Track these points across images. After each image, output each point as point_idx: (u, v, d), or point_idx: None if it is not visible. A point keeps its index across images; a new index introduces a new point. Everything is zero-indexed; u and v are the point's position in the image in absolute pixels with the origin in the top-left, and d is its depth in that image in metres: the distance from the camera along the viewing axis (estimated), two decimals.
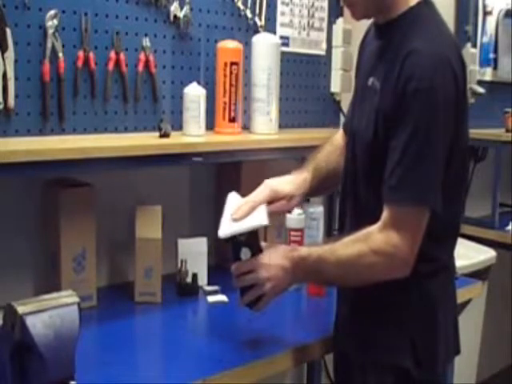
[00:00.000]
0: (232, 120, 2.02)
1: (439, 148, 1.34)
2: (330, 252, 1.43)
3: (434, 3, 1.47)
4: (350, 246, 1.41)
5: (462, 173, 1.48)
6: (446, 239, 1.49)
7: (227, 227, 1.51)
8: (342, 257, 1.41)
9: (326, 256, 1.44)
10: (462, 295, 1.95)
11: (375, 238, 1.38)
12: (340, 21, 2.41)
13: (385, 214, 1.37)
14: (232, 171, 2.19)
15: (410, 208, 1.35)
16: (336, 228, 1.67)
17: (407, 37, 1.37)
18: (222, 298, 1.88)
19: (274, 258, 1.48)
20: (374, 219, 1.39)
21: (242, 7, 2.13)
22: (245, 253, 1.50)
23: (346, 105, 2.36)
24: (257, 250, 1.50)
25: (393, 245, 1.36)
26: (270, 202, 1.59)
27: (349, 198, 1.53)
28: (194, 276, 1.93)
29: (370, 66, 1.49)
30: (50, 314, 1.15)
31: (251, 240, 1.51)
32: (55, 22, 1.70)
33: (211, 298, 1.89)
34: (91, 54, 1.79)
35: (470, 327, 2.73)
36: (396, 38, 1.40)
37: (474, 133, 2.98)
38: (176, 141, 1.83)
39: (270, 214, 1.56)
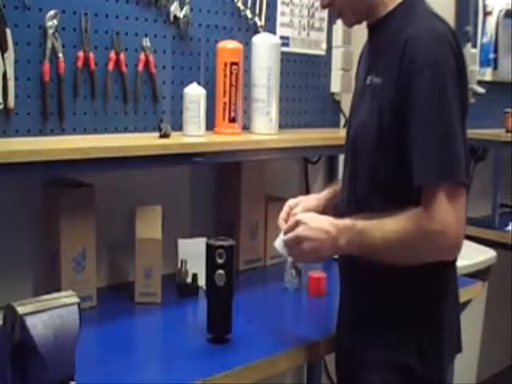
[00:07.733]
0: (232, 120, 2.02)
1: (458, 124, 1.32)
2: (378, 225, 1.37)
3: None
4: (398, 222, 1.35)
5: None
6: None
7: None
8: (389, 233, 1.35)
9: (372, 229, 1.37)
10: (462, 295, 1.94)
11: (423, 217, 1.32)
12: (340, 21, 2.41)
13: (426, 196, 1.32)
14: (232, 171, 2.19)
15: (448, 186, 1.32)
16: None
17: (402, 28, 1.38)
18: None
19: (317, 222, 1.45)
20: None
21: (242, 7, 2.13)
22: (219, 275, 1.54)
23: (346, 105, 2.37)
24: (231, 275, 1.55)
25: (442, 224, 1.31)
26: None
27: (349, 198, 1.53)
28: (194, 276, 1.93)
29: (366, 67, 1.50)
30: (49, 315, 1.15)
31: (228, 263, 1.54)
32: (55, 22, 1.70)
33: None
34: (91, 54, 1.79)
35: (470, 327, 2.72)
36: (391, 33, 1.41)
37: (474, 133, 3.02)
38: (176, 141, 1.83)
39: None
